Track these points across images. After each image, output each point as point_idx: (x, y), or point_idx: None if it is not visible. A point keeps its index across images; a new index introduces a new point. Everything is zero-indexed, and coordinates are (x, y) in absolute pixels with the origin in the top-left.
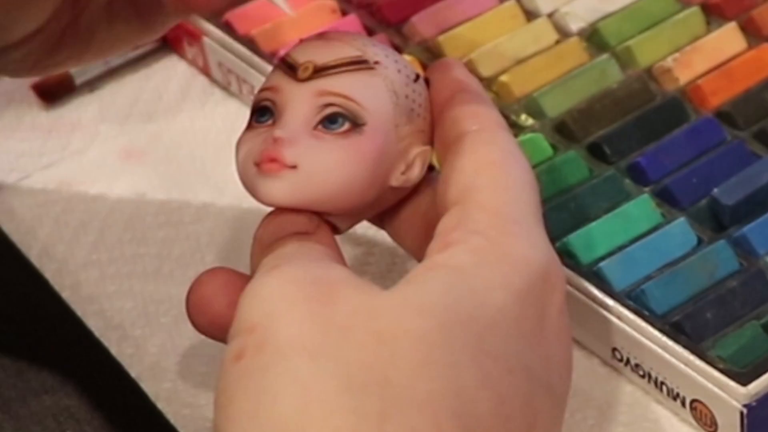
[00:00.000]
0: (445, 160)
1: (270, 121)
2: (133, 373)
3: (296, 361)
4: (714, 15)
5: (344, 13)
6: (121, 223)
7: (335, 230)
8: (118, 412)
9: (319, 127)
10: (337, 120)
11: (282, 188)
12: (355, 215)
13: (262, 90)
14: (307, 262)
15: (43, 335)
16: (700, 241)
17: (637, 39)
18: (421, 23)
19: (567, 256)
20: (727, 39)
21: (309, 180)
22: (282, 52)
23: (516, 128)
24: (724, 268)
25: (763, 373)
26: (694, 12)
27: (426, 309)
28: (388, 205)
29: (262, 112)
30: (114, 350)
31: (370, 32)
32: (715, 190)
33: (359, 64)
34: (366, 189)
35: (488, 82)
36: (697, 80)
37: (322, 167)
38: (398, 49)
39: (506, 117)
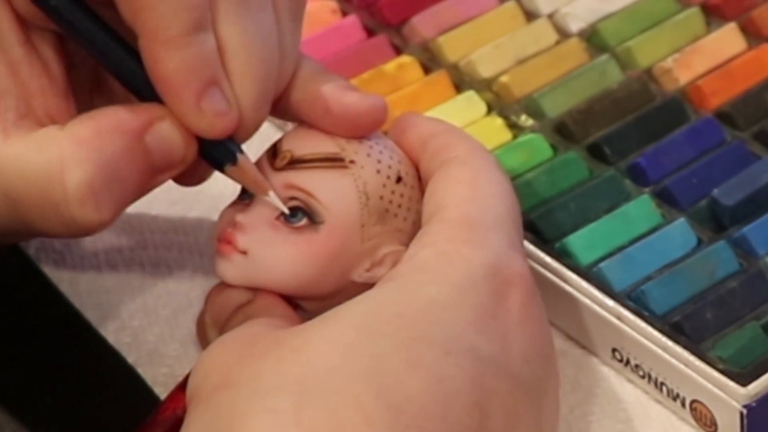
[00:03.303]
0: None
1: (249, 201)
2: (130, 360)
3: (218, 397)
4: (714, 15)
5: (344, 14)
6: (120, 220)
7: (302, 308)
8: (118, 408)
9: (281, 218)
10: (296, 214)
11: (232, 271)
12: (318, 301)
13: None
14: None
15: (42, 329)
16: (700, 242)
17: (637, 39)
18: (422, 24)
19: (567, 257)
20: (727, 39)
21: (257, 267)
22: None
23: (516, 129)
24: (724, 268)
25: (763, 373)
26: (694, 12)
27: (342, 319)
28: (356, 294)
29: (244, 189)
30: (111, 339)
31: (371, 33)
32: (715, 190)
33: (332, 161)
34: (318, 282)
35: (488, 83)
36: (697, 81)
37: (270, 258)
38: (398, 50)
39: (506, 117)
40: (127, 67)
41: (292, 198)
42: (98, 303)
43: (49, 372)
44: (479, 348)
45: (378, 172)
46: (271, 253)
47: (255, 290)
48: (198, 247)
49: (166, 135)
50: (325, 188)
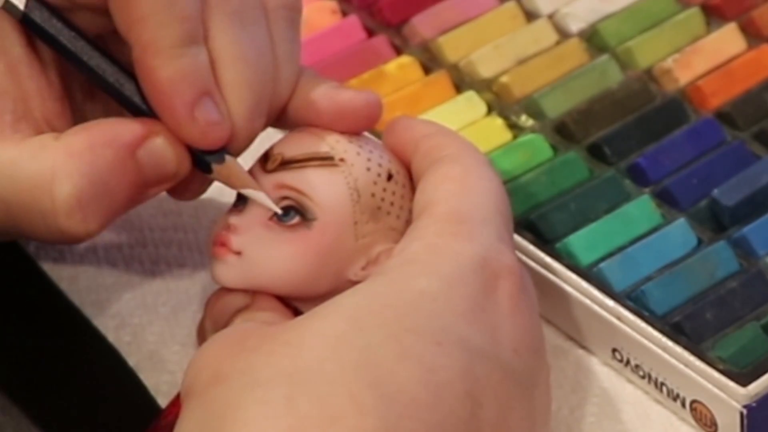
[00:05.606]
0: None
1: (243, 207)
2: (131, 362)
3: (211, 391)
4: (714, 16)
5: (344, 14)
6: (120, 218)
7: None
8: (118, 410)
9: (274, 218)
10: (289, 213)
11: (227, 272)
12: (315, 302)
13: None
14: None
15: (41, 328)
16: (700, 242)
17: (637, 40)
18: (422, 24)
19: (567, 257)
20: (727, 39)
21: (251, 267)
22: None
23: (516, 129)
24: (724, 268)
25: (763, 373)
26: (694, 13)
27: (333, 312)
28: None
29: (239, 197)
30: (111, 337)
31: (371, 33)
32: (715, 190)
33: (323, 160)
34: (313, 280)
35: (488, 83)
36: (697, 81)
37: (264, 257)
38: (398, 50)
39: (506, 118)
40: (119, 81)
41: (284, 198)
42: (98, 300)
43: (47, 371)
44: (469, 339)
45: (368, 169)
46: (265, 252)
47: (253, 294)
48: (197, 244)
49: (160, 150)
50: (315, 185)
